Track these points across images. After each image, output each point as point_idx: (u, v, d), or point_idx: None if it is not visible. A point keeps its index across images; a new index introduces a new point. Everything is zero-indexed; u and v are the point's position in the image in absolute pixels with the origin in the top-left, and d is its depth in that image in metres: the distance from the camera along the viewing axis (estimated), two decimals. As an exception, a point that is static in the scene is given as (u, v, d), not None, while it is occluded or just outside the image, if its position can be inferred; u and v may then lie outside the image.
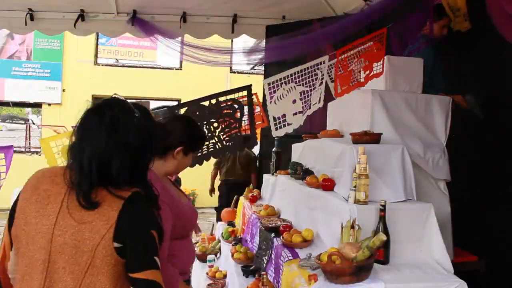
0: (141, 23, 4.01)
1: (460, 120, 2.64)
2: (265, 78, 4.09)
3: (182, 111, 2.17)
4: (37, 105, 9.41)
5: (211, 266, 2.85)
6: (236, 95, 2.24)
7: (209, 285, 2.58)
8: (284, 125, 2.17)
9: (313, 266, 1.91)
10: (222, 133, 2.16)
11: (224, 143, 2.16)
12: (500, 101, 2.68)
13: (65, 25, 3.99)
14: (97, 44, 9.01)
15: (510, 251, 2.52)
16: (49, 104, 9.03)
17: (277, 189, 3.44)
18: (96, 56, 9.06)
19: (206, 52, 4.25)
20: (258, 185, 5.03)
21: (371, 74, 2.34)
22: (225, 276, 2.73)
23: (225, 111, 2.18)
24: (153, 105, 9.52)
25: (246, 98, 2.26)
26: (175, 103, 9.03)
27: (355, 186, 2.02)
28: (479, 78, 2.87)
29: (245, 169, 5.86)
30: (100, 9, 3.95)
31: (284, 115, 2.14)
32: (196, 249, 3.14)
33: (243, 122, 2.18)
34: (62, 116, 8.49)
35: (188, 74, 8.93)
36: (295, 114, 2.17)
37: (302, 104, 2.17)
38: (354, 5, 3.73)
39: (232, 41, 5.59)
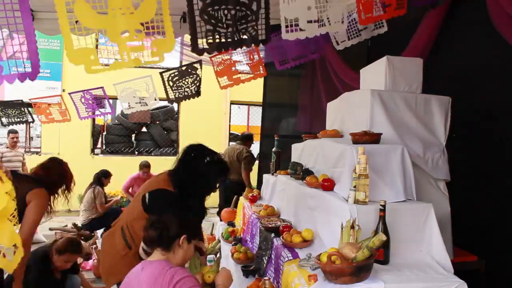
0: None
1: (460, 120, 2.64)
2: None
3: None
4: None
5: (211, 266, 2.84)
6: None
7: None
8: (296, 30, 2.05)
9: (313, 266, 1.92)
10: (239, 23, 2.06)
11: (241, 35, 2.06)
12: (500, 101, 2.68)
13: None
14: (97, 44, 9.02)
15: (510, 251, 2.52)
16: (49, 104, 9.03)
17: (277, 189, 3.44)
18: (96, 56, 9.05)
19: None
20: (259, 185, 5.03)
21: (395, 8, 2.26)
22: (225, 276, 2.72)
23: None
24: (153, 105, 9.51)
25: None
26: (175, 102, 9.02)
27: (355, 186, 2.02)
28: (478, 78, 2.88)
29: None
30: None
31: (297, 19, 2.05)
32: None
33: (260, 16, 2.04)
34: (62, 116, 8.49)
35: (188, 74, 8.92)
36: (309, 21, 2.07)
37: (318, 14, 2.07)
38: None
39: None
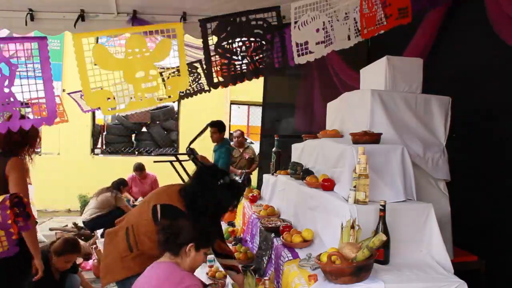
0: (141, 23, 4.01)
1: (460, 120, 2.64)
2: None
3: (213, 25, 2.08)
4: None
5: (211, 266, 2.84)
6: (264, 16, 2.13)
7: (209, 285, 2.58)
8: (306, 53, 2.09)
9: (313, 266, 1.92)
10: (254, 54, 2.08)
11: (257, 64, 2.09)
12: (500, 101, 2.68)
13: (65, 25, 3.99)
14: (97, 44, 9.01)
15: (510, 251, 2.52)
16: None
17: (277, 189, 3.44)
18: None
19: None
20: (259, 185, 5.03)
21: (396, 18, 2.29)
22: (225, 276, 2.72)
23: (256, 30, 2.06)
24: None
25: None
26: (175, 102, 9.04)
27: (355, 186, 2.03)
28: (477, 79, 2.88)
29: (250, 167, 5.96)
30: (100, 9, 3.94)
31: (306, 42, 2.09)
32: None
33: (274, 43, 2.09)
34: (62, 116, 8.49)
35: (188, 74, 8.91)
36: (317, 43, 2.11)
37: (324, 34, 2.11)
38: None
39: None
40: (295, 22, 2.06)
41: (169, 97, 1.90)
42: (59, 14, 3.92)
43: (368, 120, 2.44)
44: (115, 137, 9.37)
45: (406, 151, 2.22)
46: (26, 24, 3.86)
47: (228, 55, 2.03)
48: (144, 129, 9.62)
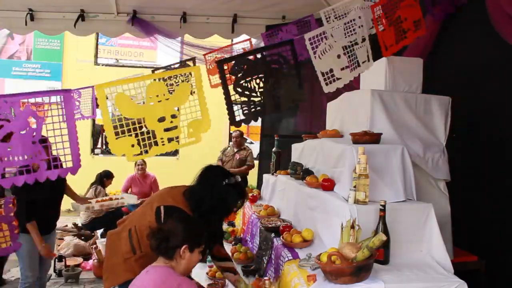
0: (141, 23, 4.02)
1: (460, 120, 2.64)
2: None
3: (230, 65, 2.11)
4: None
5: (211, 266, 2.84)
6: (279, 50, 2.17)
7: (209, 285, 2.58)
8: (334, 80, 2.12)
9: (313, 266, 1.91)
10: (272, 89, 2.12)
11: (276, 99, 2.13)
12: (500, 101, 2.68)
13: (65, 25, 4.00)
14: (97, 44, 9.00)
15: (510, 251, 2.52)
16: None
17: (277, 189, 3.44)
18: (96, 56, 9.05)
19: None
20: (259, 185, 5.03)
21: (415, 31, 2.33)
22: (225, 276, 2.72)
23: (272, 65, 2.12)
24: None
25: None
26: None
27: (355, 186, 2.02)
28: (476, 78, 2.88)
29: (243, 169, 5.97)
30: (100, 9, 3.95)
31: (331, 70, 2.12)
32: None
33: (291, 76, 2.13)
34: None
35: (188, 74, 8.91)
36: (342, 69, 2.14)
37: (347, 59, 2.14)
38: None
39: (232, 40, 5.60)
40: (314, 53, 2.09)
41: (193, 140, 1.94)
42: (59, 14, 3.93)
43: (368, 120, 2.44)
44: (115, 137, 9.36)
45: (406, 151, 2.22)
46: (26, 24, 3.87)
47: (247, 92, 2.07)
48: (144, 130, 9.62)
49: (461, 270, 1.95)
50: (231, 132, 9.69)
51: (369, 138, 2.24)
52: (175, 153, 9.39)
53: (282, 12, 4.25)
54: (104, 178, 5.60)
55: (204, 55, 4.07)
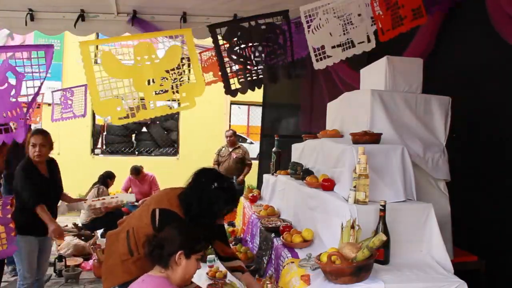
0: (141, 23, 4.01)
1: (460, 120, 2.64)
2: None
3: (223, 30, 2.00)
4: (37, 105, 9.40)
5: (211, 266, 2.84)
6: (273, 20, 2.08)
7: (209, 285, 2.58)
8: (324, 57, 2.07)
9: (313, 266, 1.91)
10: (268, 59, 2.05)
11: (272, 70, 2.06)
12: (500, 101, 2.68)
13: (65, 25, 3.99)
14: (96, 45, 9.02)
15: (510, 251, 2.52)
16: (49, 104, 9.03)
17: (277, 189, 3.44)
18: (96, 56, 9.06)
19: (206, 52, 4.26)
20: (259, 185, 5.03)
21: (412, 20, 2.29)
22: (225, 276, 2.72)
23: (267, 35, 2.02)
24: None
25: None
26: (175, 102, 9.02)
27: (355, 186, 2.02)
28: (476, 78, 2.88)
29: (240, 168, 5.96)
30: (100, 9, 3.95)
31: (323, 47, 2.06)
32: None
33: (287, 48, 2.05)
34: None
35: (188, 74, 8.92)
36: (333, 47, 2.09)
37: (341, 38, 2.09)
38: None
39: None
40: (308, 27, 2.04)
41: (187, 104, 1.85)
42: (59, 14, 3.92)
43: (368, 120, 2.44)
44: (115, 137, 9.37)
45: (406, 151, 2.22)
46: (26, 24, 3.86)
47: (242, 60, 1.99)
48: (144, 129, 9.62)
49: (461, 270, 1.95)
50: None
51: (369, 138, 2.24)
52: (175, 153, 9.39)
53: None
54: (108, 178, 5.62)
55: (200, 53, 4.06)
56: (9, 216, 2.14)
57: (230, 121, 9.73)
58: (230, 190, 2.12)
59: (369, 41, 2.17)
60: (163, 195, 2.20)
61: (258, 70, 2.02)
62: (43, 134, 3.08)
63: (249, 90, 2.05)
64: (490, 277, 2.53)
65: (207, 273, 2.77)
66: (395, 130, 2.42)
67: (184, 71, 1.83)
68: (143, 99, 1.82)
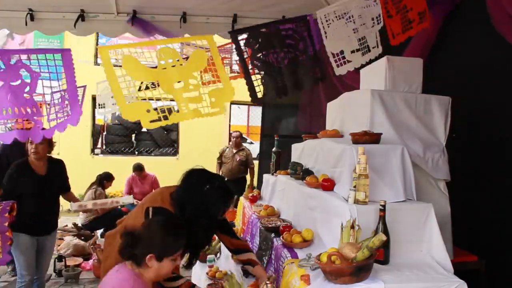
0: (141, 23, 4.01)
1: (460, 120, 2.64)
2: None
3: (244, 35, 1.97)
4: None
5: (211, 266, 2.85)
6: (293, 26, 2.05)
7: (209, 285, 2.58)
8: (345, 62, 2.06)
9: (313, 266, 1.91)
10: (290, 65, 2.02)
11: (296, 76, 2.03)
12: (500, 101, 2.68)
13: (65, 25, 3.99)
14: (97, 44, 9.01)
15: (510, 251, 2.51)
16: (49, 104, 9.03)
17: (277, 189, 3.44)
18: (96, 56, 9.05)
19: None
20: (259, 185, 5.03)
21: (419, 23, 2.30)
22: (225, 275, 2.72)
23: (288, 41, 2.00)
24: (154, 105, 9.53)
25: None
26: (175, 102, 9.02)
27: (355, 186, 2.02)
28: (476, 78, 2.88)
29: (242, 170, 5.98)
30: (100, 9, 3.95)
31: (342, 52, 2.05)
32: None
33: (308, 53, 2.02)
34: (62, 116, 8.48)
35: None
36: (353, 51, 2.08)
37: (358, 42, 2.08)
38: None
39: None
40: (325, 32, 2.02)
41: (217, 110, 1.79)
42: (59, 14, 3.92)
43: (368, 120, 2.44)
44: (115, 137, 9.37)
45: (406, 151, 2.22)
46: (26, 24, 3.86)
47: (266, 67, 1.97)
48: (144, 129, 9.62)
49: (461, 270, 1.95)
50: (231, 132, 9.70)
51: (369, 138, 2.24)
52: (175, 153, 9.40)
53: (282, 12, 4.24)
54: (105, 180, 5.59)
55: None
56: (6, 224, 2.07)
57: (230, 121, 9.73)
58: (222, 189, 2.09)
59: (378, 46, 2.18)
60: (157, 194, 2.19)
61: (283, 77, 2.00)
62: None
63: (276, 97, 2.03)
64: (490, 277, 2.53)
65: (207, 273, 2.77)
66: (395, 130, 2.42)
67: (210, 76, 1.80)
68: (173, 100, 1.78)
